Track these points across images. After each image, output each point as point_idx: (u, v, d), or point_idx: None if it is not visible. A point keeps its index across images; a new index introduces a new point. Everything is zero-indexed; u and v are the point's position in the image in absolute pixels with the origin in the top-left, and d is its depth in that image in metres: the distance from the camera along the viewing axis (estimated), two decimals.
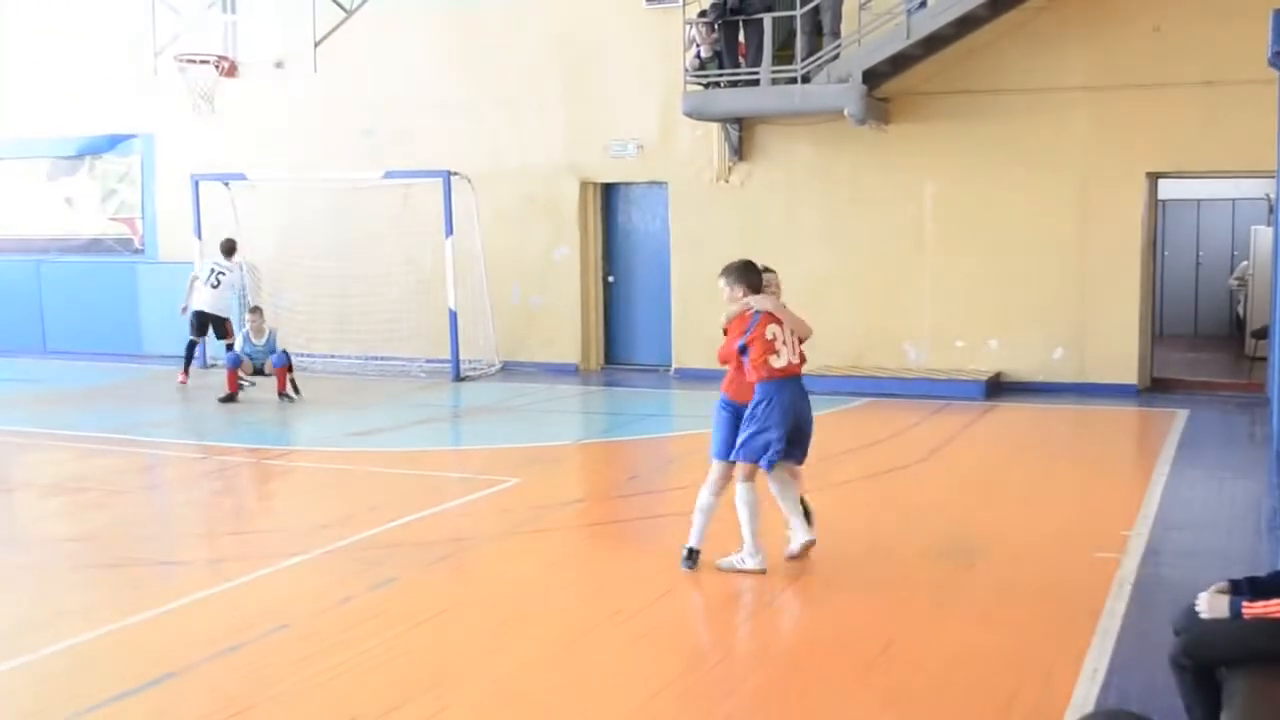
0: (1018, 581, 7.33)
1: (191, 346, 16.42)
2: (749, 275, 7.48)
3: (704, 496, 7.50)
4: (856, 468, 10.76)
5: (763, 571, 7.30)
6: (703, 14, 15.27)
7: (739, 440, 7.36)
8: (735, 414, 7.48)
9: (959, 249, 15.31)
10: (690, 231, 16.60)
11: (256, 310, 15.52)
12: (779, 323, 7.32)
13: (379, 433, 13.04)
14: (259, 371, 15.17)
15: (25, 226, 21.06)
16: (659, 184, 17.07)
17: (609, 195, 17.64)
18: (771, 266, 7.75)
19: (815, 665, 6.00)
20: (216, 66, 18.34)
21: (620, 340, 17.81)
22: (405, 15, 17.70)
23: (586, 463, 11.92)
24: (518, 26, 17.31)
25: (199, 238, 17.97)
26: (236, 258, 16.65)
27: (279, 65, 18.47)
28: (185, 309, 16.35)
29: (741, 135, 16.15)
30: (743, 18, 15.05)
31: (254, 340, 15.14)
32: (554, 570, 7.78)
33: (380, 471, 11.07)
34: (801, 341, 7.45)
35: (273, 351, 15.03)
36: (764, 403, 7.25)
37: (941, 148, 15.25)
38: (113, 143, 20.37)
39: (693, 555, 7.46)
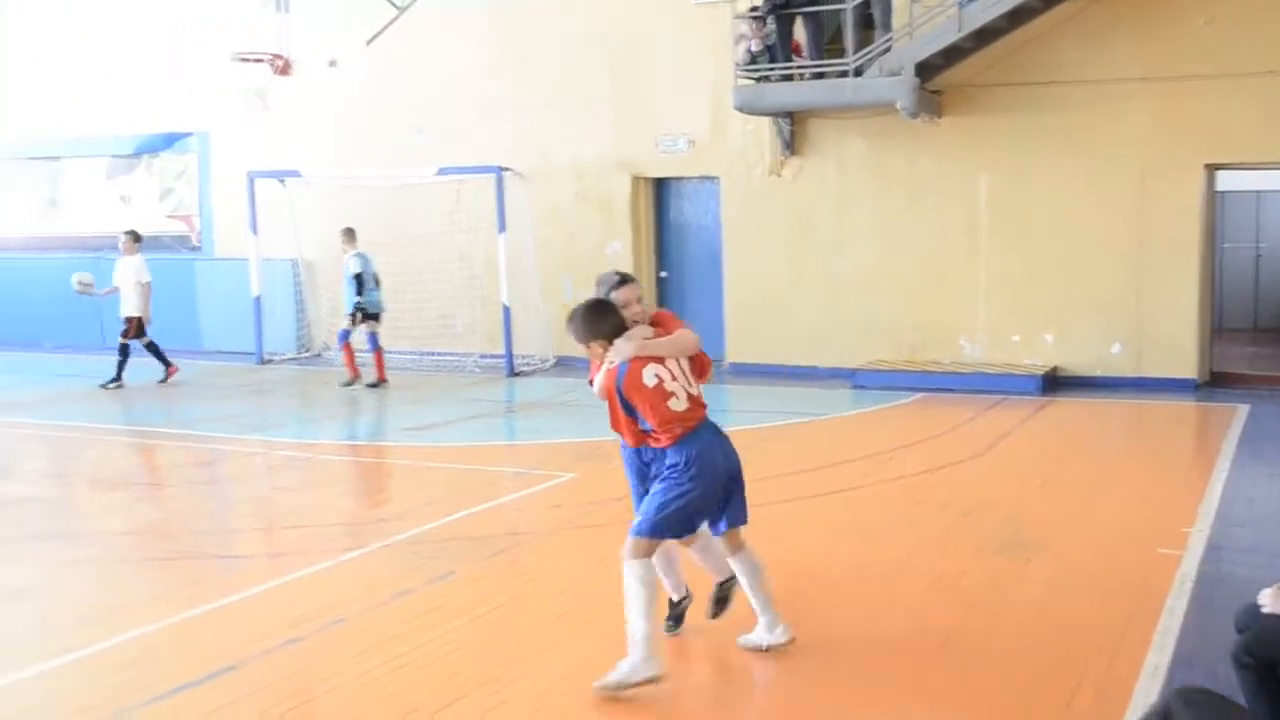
0: (1076, 577, 7.26)
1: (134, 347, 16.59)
2: (603, 322, 5.72)
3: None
4: (911, 463, 10.71)
5: (658, 678, 5.57)
6: (753, 9, 15.23)
7: (648, 506, 5.68)
8: (647, 469, 5.95)
9: (1014, 242, 15.17)
10: (742, 226, 16.55)
11: (350, 230, 15.96)
12: (657, 359, 5.72)
13: (434, 428, 13.12)
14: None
15: (84, 224, 21.41)
16: (710, 179, 17.04)
17: (661, 190, 17.63)
18: (630, 275, 6.01)
19: (875, 660, 5.97)
20: (271, 65, 18.54)
21: None
22: (454, 15, 17.78)
23: None
24: (565, 25, 17.32)
25: (255, 234, 18.18)
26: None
27: (332, 64, 18.66)
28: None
29: (793, 129, 16.08)
30: (798, 11, 14.99)
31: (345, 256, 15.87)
32: (608, 566, 7.72)
33: (436, 466, 11.16)
34: (695, 363, 5.93)
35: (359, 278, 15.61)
36: (681, 465, 5.67)
37: (996, 140, 15.11)
38: (169, 141, 20.62)
39: (675, 608, 6.43)
